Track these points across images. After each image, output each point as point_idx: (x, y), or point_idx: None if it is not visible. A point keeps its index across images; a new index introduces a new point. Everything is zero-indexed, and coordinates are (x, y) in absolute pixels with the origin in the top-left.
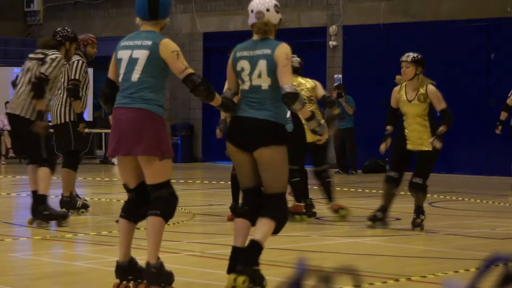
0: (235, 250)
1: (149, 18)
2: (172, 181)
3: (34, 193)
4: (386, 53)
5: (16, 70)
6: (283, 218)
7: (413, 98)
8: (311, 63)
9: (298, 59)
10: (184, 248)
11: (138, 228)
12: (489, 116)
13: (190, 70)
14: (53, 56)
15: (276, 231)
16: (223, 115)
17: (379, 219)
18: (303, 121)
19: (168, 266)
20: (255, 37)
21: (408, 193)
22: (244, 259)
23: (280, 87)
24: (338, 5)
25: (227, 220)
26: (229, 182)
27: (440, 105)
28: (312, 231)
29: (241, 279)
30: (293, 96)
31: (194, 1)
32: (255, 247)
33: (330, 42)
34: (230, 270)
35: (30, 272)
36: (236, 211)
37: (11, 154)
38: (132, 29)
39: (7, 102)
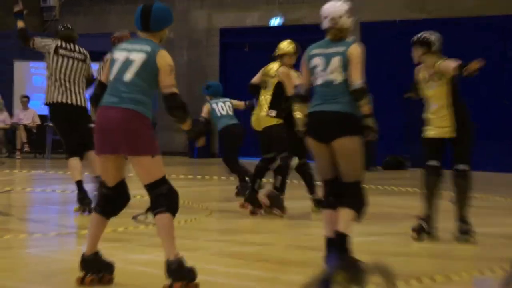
0: (329, 240)
1: (142, 29)
2: (189, 177)
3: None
4: (403, 50)
5: (33, 64)
6: (362, 205)
7: (428, 79)
8: None
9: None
10: (202, 246)
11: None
12: (504, 114)
13: (176, 90)
14: None
15: (358, 217)
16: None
17: (425, 231)
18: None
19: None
20: (328, 37)
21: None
22: (337, 253)
23: (350, 82)
24: (354, 2)
25: (239, 206)
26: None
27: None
28: None
29: (339, 274)
30: (362, 91)
31: None
32: (341, 238)
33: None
34: (328, 260)
35: (44, 269)
36: (322, 203)
37: (26, 148)
38: None
39: (25, 97)
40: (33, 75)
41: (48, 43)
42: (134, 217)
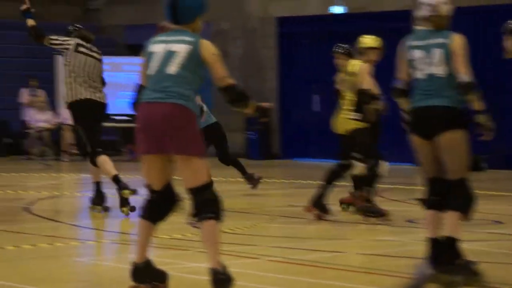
0: (432, 241)
1: (172, 21)
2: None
3: None
4: (472, 37)
5: None
6: (469, 203)
7: None
8: (394, 49)
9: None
10: (264, 253)
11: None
12: None
13: (232, 80)
14: None
15: (466, 217)
16: None
17: None
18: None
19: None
20: (425, 27)
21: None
22: (445, 258)
23: (455, 75)
24: None
25: (304, 210)
26: (309, 181)
27: None
28: (402, 235)
29: (446, 278)
30: (468, 85)
31: None
32: (451, 242)
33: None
34: (433, 263)
35: (95, 278)
36: (425, 203)
37: (74, 150)
38: None
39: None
40: None
41: (67, 40)
42: (191, 223)
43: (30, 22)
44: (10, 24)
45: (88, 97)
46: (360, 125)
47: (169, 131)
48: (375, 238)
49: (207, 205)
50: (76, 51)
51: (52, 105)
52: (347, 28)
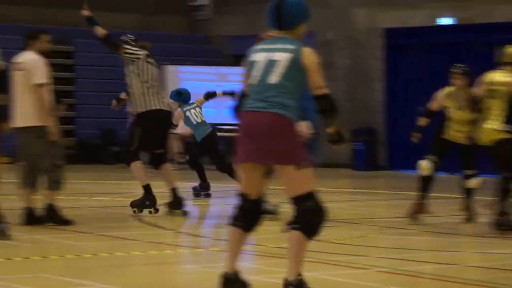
0: None
1: (275, 27)
2: (353, 190)
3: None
4: None
5: (182, 69)
6: None
7: None
8: None
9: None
10: (372, 264)
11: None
12: None
13: (327, 91)
14: None
15: None
16: (422, 121)
17: None
18: None
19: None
20: None
21: None
22: None
23: None
24: None
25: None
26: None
27: None
28: None
29: None
30: None
31: None
32: None
33: None
34: None
35: (201, 285)
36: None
37: (180, 159)
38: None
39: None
40: (183, 80)
41: (137, 51)
42: (285, 231)
43: (100, 30)
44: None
45: (159, 107)
46: (507, 136)
47: (269, 140)
48: (487, 251)
49: (300, 216)
50: (146, 61)
51: None
52: (455, 40)
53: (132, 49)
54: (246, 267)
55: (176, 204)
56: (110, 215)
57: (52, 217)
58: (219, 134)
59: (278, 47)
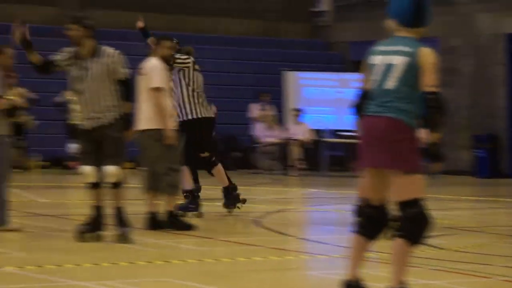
0: None
1: (410, 25)
2: (472, 198)
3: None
4: None
5: (301, 74)
6: None
7: None
8: None
9: None
10: (495, 273)
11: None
12: None
13: (438, 89)
14: None
15: None
16: None
17: None
18: None
19: None
20: None
21: None
22: None
23: None
24: None
25: None
26: None
27: None
28: None
29: None
30: None
31: None
32: None
33: None
34: None
35: None
36: None
37: (300, 165)
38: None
39: (296, 110)
40: (303, 87)
41: (187, 59)
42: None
43: (152, 41)
44: (242, 41)
45: (207, 115)
46: None
47: (384, 144)
48: None
49: (404, 223)
50: (194, 69)
51: (280, 120)
52: None
53: (181, 58)
54: (368, 274)
55: (231, 201)
56: (232, 220)
57: (173, 224)
58: (339, 140)
59: (397, 49)
